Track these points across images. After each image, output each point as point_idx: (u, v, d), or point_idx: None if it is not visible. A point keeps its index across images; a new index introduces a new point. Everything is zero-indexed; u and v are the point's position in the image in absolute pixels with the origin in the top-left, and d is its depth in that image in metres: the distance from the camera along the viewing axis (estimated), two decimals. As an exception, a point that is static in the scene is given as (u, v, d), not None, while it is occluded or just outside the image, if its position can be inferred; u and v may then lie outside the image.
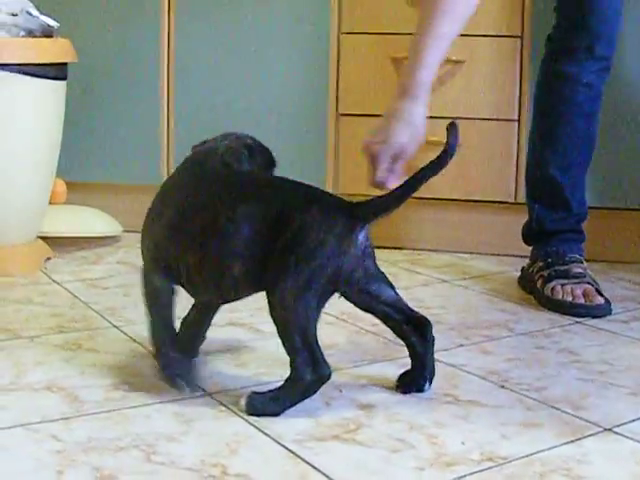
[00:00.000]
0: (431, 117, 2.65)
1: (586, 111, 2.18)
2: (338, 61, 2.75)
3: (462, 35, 2.58)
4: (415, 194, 2.59)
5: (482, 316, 2.05)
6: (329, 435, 1.35)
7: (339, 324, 1.94)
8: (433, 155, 2.54)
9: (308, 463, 1.25)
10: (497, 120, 2.67)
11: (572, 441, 1.36)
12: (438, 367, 1.63)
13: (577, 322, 2.01)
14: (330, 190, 2.69)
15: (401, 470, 1.24)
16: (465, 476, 1.22)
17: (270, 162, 1.63)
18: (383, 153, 1.76)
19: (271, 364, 1.64)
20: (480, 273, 2.49)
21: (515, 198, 2.67)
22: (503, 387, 1.58)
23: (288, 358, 1.41)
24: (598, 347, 1.84)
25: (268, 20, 2.77)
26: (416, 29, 1.86)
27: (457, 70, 2.66)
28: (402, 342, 1.54)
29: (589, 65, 2.13)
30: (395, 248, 2.74)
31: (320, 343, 1.40)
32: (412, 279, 2.39)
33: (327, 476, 1.21)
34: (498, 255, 2.68)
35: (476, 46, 2.65)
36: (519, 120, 2.66)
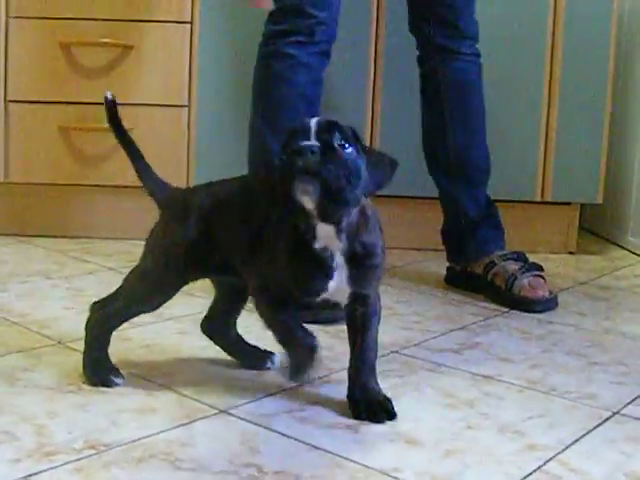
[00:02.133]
0: (98, 104, 2.64)
1: (308, 94, 2.12)
2: (6, 46, 2.66)
3: (132, 20, 2.59)
4: (87, 182, 2.58)
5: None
6: None
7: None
8: (104, 139, 2.54)
9: None
10: (167, 106, 2.68)
11: (184, 424, 1.36)
12: (72, 356, 1.62)
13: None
14: (0, 179, 2.63)
15: (-4, 463, 1.21)
16: (61, 465, 1.21)
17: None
18: None
19: None
20: (149, 260, 2.47)
21: (187, 183, 2.68)
22: (129, 373, 1.57)
23: None
24: (246, 329, 1.84)
25: None
26: None
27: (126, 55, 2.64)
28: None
29: (309, 47, 2.09)
30: (69, 237, 2.70)
31: None
32: (78, 268, 2.35)
33: None
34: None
35: (146, 31, 2.64)
36: (189, 106, 2.67)
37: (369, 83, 2.68)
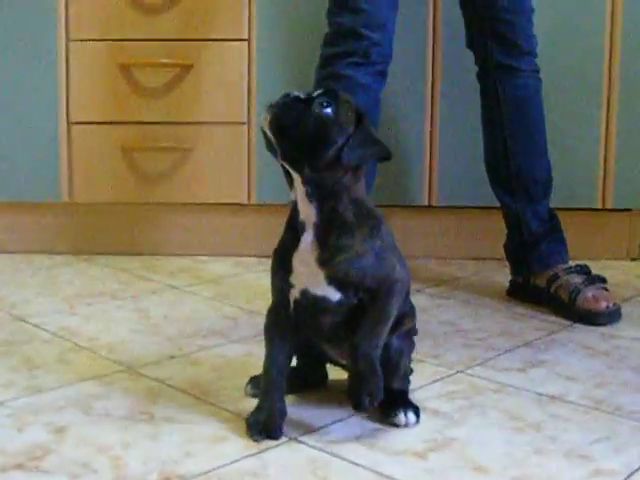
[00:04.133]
0: (159, 123, 2.69)
1: None
2: (67, 69, 2.71)
3: (190, 40, 2.63)
4: (150, 200, 2.61)
5: (202, 324, 2.07)
6: (12, 464, 1.34)
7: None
8: (166, 158, 2.58)
9: (-18, 497, 1.24)
10: (226, 123, 2.70)
11: (254, 454, 1.39)
12: (143, 382, 1.66)
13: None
14: (65, 199, 2.68)
15: (75, 497, 1.24)
16: (138, 499, 1.24)
17: None
18: None
19: None
20: (213, 277, 2.51)
21: (249, 199, 2.71)
22: (200, 399, 1.60)
23: None
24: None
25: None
26: None
27: (185, 74, 2.67)
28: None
29: (365, 68, 2.11)
30: (133, 254, 2.74)
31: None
32: (142, 287, 2.39)
33: (-2, 510, 1.20)
34: (235, 256, 2.72)
35: (204, 50, 2.67)
36: (248, 123, 2.69)
37: (427, 96, 2.69)
